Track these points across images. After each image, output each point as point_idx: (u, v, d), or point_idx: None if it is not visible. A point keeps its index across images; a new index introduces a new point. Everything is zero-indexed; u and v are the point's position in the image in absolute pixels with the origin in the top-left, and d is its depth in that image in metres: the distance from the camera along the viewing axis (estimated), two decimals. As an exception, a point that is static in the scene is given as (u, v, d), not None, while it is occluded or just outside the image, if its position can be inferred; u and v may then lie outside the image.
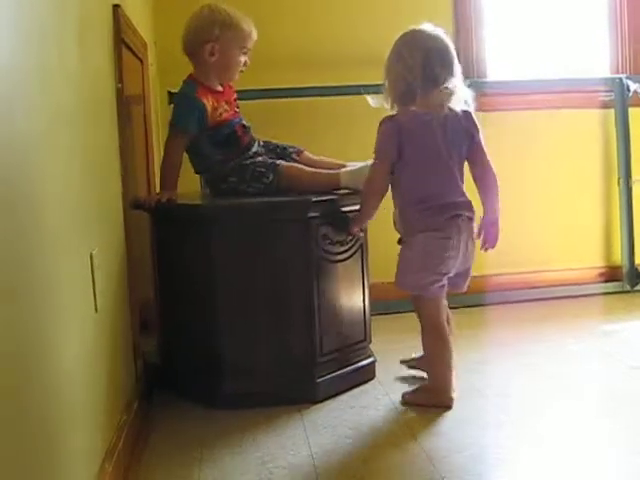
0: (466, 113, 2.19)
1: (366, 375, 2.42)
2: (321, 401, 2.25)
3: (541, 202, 3.51)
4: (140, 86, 2.61)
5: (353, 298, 2.40)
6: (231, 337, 2.25)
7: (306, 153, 2.52)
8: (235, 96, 2.53)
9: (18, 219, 1.09)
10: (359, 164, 2.36)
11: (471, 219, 2.20)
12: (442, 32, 2.19)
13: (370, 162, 2.28)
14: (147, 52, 2.71)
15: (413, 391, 2.26)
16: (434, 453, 1.87)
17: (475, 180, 2.24)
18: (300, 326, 2.26)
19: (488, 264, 3.40)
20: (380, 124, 2.19)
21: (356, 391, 2.34)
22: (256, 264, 2.25)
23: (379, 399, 2.27)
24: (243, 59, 2.43)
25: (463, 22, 3.42)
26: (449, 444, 1.93)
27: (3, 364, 0.99)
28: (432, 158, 2.16)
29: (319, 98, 3.24)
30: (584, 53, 3.62)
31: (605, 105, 3.53)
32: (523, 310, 3.23)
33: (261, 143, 2.50)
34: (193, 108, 2.35)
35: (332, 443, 1.98)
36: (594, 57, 3.62)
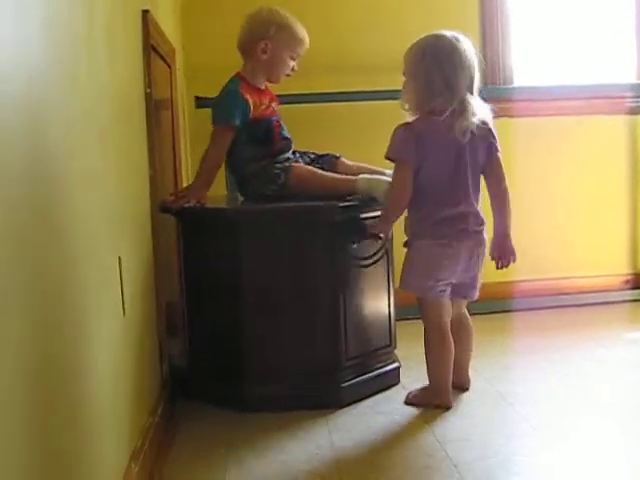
0: (484, 123, 2.19)
1: (390, 380, 2.42)
2: (346, 406, 2.25)
3: (567, 208, 3.49)
4: (168, 91, 2.63)
5: (379, 303, 2.40)
6: (257, 341, 2.26)
7: (343, 159, 2.51)
8: (275, 98, 2.55)
9: (49, 222, 1.10)
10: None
11: (478, 232, 2.21)
12: (469, 42, 2.19)
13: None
14: (175, 57, 2.73)
15: (417, 391, 2.30)
16: (459, 459, 1.87)
17: (489, 191, 2.25)
18: (326, 331, 2.27)
19: (514, 270, 3.39)
20: (395, 131, 2.19)
21: (380, 396, 2.34)
22: (282, 269, 2.25)
23: (401, 404, 2.27)
24: (292, 64, 2.48)
25: (490, 28, 3.42)
26: (474, 451, 1.92)
27: (33, 366, 1.00)
28: (445, 167, 2.17)
29: (347, 103, 3.25)
30: (611, 59, 3.60)
31: (632, 111, 3.51)
32: (549, 317, 3.22)
33: (297, 155, 2.50)
34: (236, 102, 2.39)
35: (356, 448, 1.98)
36: (621, 63, 3.60)
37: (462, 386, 2.36)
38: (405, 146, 2.16)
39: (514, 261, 2.23)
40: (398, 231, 2.35)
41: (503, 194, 2.23)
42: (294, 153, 2.50)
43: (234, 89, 2.41)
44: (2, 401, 0.87)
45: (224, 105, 2.42)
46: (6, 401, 0.88)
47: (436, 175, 2.17)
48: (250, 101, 2.39)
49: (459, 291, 2.28)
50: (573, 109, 3.48)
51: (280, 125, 2.48)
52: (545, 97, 3.47)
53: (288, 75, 2.50)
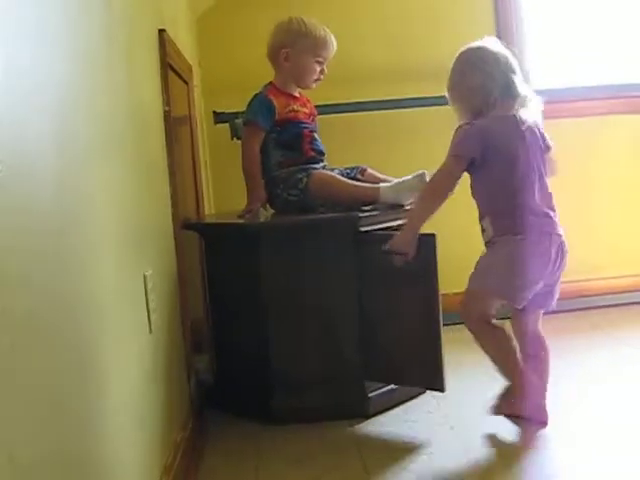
0: (536, 124, 2.14)
1: (417, 389, 2.41)
2: (373, 415, 2.25)
3: (590, 209, 3.47)
4: (186, 107, 2.65)
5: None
6: (282, 353, 2.27)
7: (369, 171, 2.51)
8: (314, 110, 2.60)
9: (72, 244, 1.11)
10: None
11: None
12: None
13: (415, 175, 2.31)
14: (192, 74, 2.76)
15: (503, 399, 2.11)
16: (487, 464, 1.86)
17: None
18: (351, 341, 2.27)
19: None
20: (459, 128, 2.11)
21: (408, 405, 2.33)
22: (306, 280, 2.26)
23: (431, 413, 2.27)
24: (318, 68, 2.52)
25: (505, 31, 3.41)
26: (506, 456, 1.92)
27: (63, 384, 1.01)
28: (514, 165, 2.07)
29: (375, 112, 3.27)
30: (628, 58, 3.58)
31: (654, 110, 3.49)
32: (573, 319, 3.20)
33: (326, 169, 2.48)
34: (262, 104, 2.47)
35: (385, 457, 1.98)
36: (638, 62, 3.58)
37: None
38: (469, 140, 2.06)
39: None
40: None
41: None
42: (323, 168, 2.50)
43: (261, 93, 2.51)
44: (30, 403, 0.88)
45: (249, 106, 2.51)
46: (34, 406, 0.89)
47: (509, 172, 2.07)
48: (275, 102, 2.46)
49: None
50: (593, 110, 3.46)
51: (312, 135, 2.51)
52: (564, 99, 3.45)
53: (317, 79, 2.54)
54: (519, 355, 2.08)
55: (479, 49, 2.16)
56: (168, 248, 2.01)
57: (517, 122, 2.10)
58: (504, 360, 2.09)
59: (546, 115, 3.42)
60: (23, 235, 0.89)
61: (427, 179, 2.27)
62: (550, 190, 2.13)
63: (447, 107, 2.26)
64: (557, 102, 3.43)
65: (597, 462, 1.86)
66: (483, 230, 2.13)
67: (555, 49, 3.54)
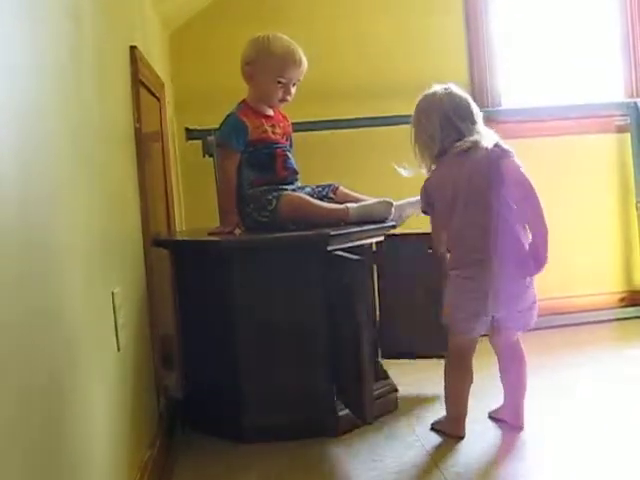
0: (497, 146, 2.20)
1: (388, 407, 2.41)
2: (343, 434, 2.24)
3: (559, 229, 3.48)
4: (158, 124, 2.65)
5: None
6: (252, 371, 2.26)
7: (341, 189, 2.50)
8: (289, 128, 2.56)
9: (38, 262, 1.10)
10: (406, 200, 2.45)
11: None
12: (454, 86, 2.23)
13: (381, 201, 2.40)
14: (164, 90, 2.75)
15: (440, 418, 2.27)
16: (458, 484, 1.87)
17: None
18: (321, 359, 2.26)
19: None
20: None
21: (378, 423, 2.32)
22: (276, 298, 2.26)
23: (401, 430, 2.26)
24: (280, 88, 2.44)
25: (476, 52, 3.45)
26: (473, 474, 1.92)
27: (28, 403, 1.00)
28: (453, 206, 2.15)
29: (350, 130, 3.30)
30: (598, 78, 3.63)
31: (620, 129, 3.53)
32: (545, 337, 3.21)
33: (297, 190, 2.45)
34: (234, 125, 2.43)
35: (356, 476, 1.97)
36: (608, 82, 3.62)
37: (513, 424, 2.23)
38: (423, 202, 2.24)
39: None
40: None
41: (529, 215, 2.29)
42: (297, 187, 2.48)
43: (233, 113, 2.46)
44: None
45: (222, 128, 2.47)
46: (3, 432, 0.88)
47: (448, 215, 2.18)
48: (248, 123, 2.42)
49: (499, 326, 2.26)
50: (561, 129, 3.50)
51: (285, 154, 2.47)
52: (533, 118, 3.49)
53: (283, 100, 2.47)
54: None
55: (424, 104, 2.22)
56: (137, 265, 1.99)
57: (455, 167, 2.16)
58: (455, 390, 2.23)
59: (514, 134, 3.47)
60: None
61: (392, 208, 2.39)
62: (490, 215, 2.15)
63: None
64: (527, 122, 3.48)
65: (567, 465, 1.87)
66: None
67: (527, 68, 3.58)
